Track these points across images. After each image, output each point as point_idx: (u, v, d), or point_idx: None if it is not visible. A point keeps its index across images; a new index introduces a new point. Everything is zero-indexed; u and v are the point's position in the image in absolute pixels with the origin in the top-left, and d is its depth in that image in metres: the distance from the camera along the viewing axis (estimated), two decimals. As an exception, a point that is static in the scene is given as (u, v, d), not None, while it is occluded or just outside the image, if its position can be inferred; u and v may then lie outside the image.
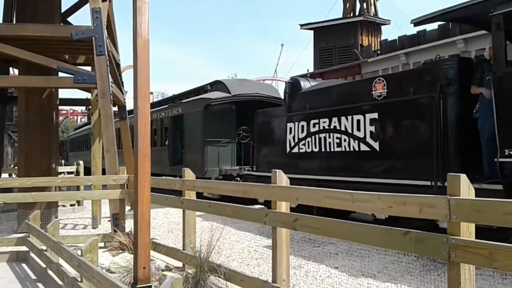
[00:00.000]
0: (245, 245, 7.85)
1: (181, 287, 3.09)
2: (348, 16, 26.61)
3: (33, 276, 6.12)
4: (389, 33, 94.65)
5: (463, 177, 2.87)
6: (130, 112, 10.35)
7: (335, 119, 8.92)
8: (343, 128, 8.73)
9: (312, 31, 25.69)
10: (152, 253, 5.56)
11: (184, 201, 6.06)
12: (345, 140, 8.66)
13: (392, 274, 5.88)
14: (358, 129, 8.35)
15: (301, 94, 10.35)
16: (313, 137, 9.50)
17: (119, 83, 10.68)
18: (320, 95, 9.93)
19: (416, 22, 7.92)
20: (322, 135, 9.27)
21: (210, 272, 5.09)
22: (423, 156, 7.09)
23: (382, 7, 52.99)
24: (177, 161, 16.18)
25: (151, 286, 4.64)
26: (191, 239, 5.91)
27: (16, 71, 11.26)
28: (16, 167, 14.27)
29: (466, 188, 2.86)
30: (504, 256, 2.52)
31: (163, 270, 5.86)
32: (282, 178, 4.43)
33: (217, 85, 16.13)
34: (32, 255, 6.68)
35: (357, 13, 26.68)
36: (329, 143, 9.07)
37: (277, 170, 4.56)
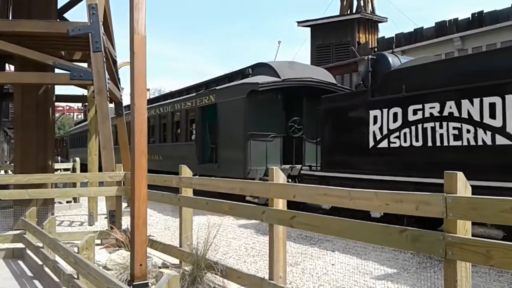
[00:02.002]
0: (242, 242, 7.85)
1: (178, 284, 3.09)
2: (345, 13, 26.63)
3: (29, 273, 6.10)
4: (386, 31, 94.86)
5: (460, 174, 2.88)
6: (128, 107, 10.26)
7: (450, 104, 6.96)
8: (464, 115, 6.78)
9: (309, 28, 25.71)
10: (149, 250, 5.57)
11: (181, 198, 6.06)
12: (468, 131, 6.74)
13: (389, 271, 5.89)
14: (493, 116, 6.43)
15: (393, 73, 8.36)
16: (413, 127, 7.55)
17: (115, 80, 10.64)
18: (425, 73, 7.88)
19: None
20: (428, 125, 7.33)
21: (207, 269, 5.09)
22: None
23: (379, 5, 52.98)
24: (207, 159, 14.11)
25: (147, 283, 4.64)
26: (188, 236, 5.91)
27: (12, 67, 11.22)
28: (12, 164, 14.22)
29: (462, 186, 2.87)
30: (500, 253, 2.53)
31: (159, 267, 5.86)
32: (279, 176, 4.43)
33: (260, 68, 13.61)
34: (29, 252, 6.66)
35: (354, 11, 26.70)
36: (441, 134, 7.11)
37: (274, 167, 4.55)
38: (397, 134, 7.83)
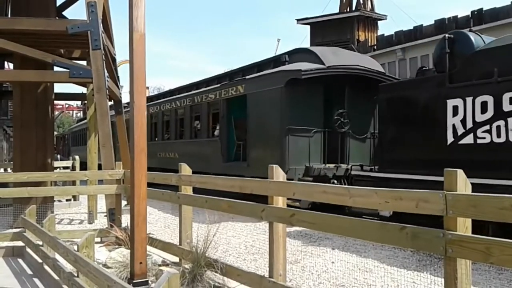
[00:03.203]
0: (241, 240, 7.85)
1: (178, 282, 3.09)
2: (345, 11, 26.61)
3: (29, 271, 6.10)
4: (385, 28, 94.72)
5: (460, 172, 2.88)
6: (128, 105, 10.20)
7: None
8: None
9: (308, 26, 25.70)
10: (149, 248, 5.56)
11: (180, 196, 6.05)
12: None
13: (388, 269, 5.90)
14: None
15: (480, 54, 7.04)
16: (509, 119, 6.31)
17: (115, 78, 10.63)
18: None
19: None
20: None
21: (207, 267, 5.10)
22: None
23: (378, 3, 52.92)
24: (233, 157, 12.83)
25: (147, 281, 4.64)
26: (188, 234, 5.91)
27: (11, 65, 11.20)
28: (11, 162, 14.22)
29: (462, 183, 2.87)
30: (500, 251, 2.53)
31: (159, 265, 5.86)
32: (279, 173, 4.43)
33: (298, 54, 11.94)
34: (28, 250, 6.66)
35: (353, 8, 26.68)
36: None
37: (273, 165, 4.54)
38: (487, 127, 6.56)
